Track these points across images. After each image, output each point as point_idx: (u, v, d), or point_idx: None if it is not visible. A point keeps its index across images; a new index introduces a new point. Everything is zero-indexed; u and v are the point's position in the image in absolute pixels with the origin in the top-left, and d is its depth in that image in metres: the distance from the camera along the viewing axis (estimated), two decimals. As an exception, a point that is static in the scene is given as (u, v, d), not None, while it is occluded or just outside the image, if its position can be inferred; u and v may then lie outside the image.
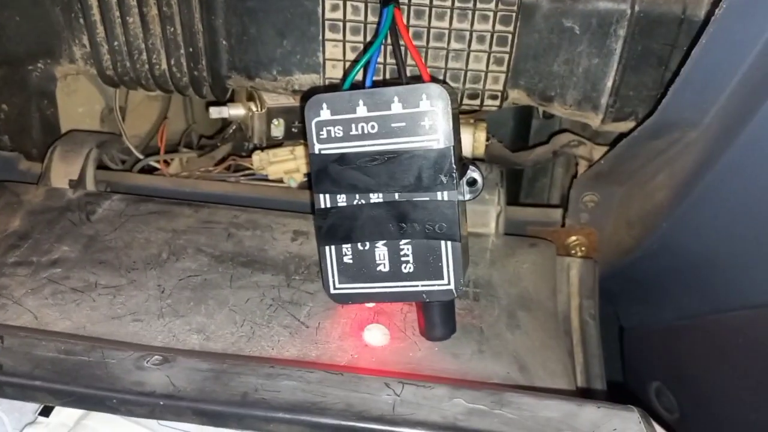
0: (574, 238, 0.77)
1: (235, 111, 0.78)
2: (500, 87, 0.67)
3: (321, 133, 0.52)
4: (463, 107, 0.69)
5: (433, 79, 0.54)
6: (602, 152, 0.74)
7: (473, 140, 0.73)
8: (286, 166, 0.77)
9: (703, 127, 0.59)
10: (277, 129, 0.77)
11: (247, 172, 0.80)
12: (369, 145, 0.51)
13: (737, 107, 0.54)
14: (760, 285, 0.60)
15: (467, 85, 0.67)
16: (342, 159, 0.52)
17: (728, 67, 0.53)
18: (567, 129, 0.80)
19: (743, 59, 0.52)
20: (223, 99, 0.76)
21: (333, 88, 0.67)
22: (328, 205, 0.53)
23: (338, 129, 0.51)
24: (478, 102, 0.68)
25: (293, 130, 0.78)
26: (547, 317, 0.61)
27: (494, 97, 0.68)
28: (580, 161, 0.78)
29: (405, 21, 0.63)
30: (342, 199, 0.53)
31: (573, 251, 0.77)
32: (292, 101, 0.76)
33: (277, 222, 0.67)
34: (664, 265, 0.72)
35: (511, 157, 0.82)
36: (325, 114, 0.51)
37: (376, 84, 0.54)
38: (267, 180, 0.78)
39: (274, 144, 0.79)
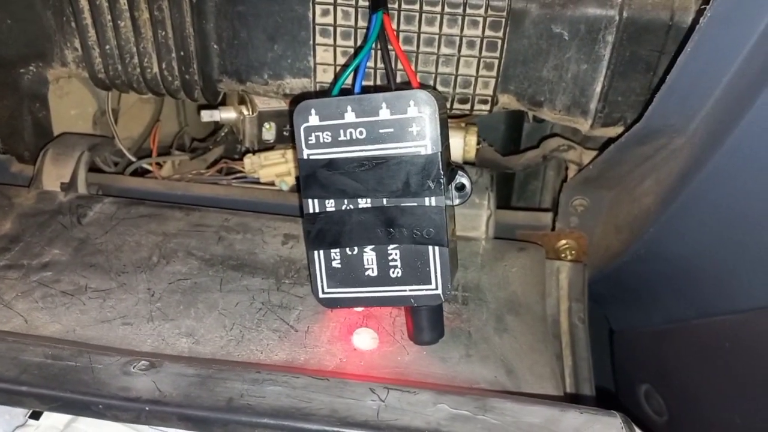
0: (563, 241, 0.77)
1: (226, 114, 0.78)
2: (490, 92, 0.67)
3: (310, 138, 0.52)
4: (454, 112, 0.70)
5: (422, 85, 0.54)
6: (592, 156, 0.74)
7: (464, 144, 0.74)
8: (277, 169, 0.77)
9: (689, 134, 0.60)
10: (269, 132, 0.78)
11: (238, 175, 0.80)
12: (357, 151, 0.51)
13: (722, 114, 0.54)
14: (746, 289, 0.61)
15: (457, 90, 0.67)
16: (330, 164, 0.52)
17: (713, 74, 0.53)
18: (557, 133, 0.80)
19: (728, 67, 0.52)
20: (215, 102, 0.76)
21: (323, 93, 0.67)
22: (317, 210, 0.53)
23: (327, 134, 0.52)
24: (468, 106, 0.69)
25: (284, 133, 0.78)
26: (535, 321, 0.61)
27: (484, 102, 0.68)
28: (570, 165, 0.79)
29: (395, 26, 0.63)
30: (330, 204, 0.53)
31: (563, 255, 0.77)
32: (284, 105, 0.76)
33: (267, 225, 0.67)
34: (651, 269, 0.72)
35: (501, 161, 0.83)
36: (314, 120, 0.52)
37: (366, 89, 0.54)
38: (258, 183, 0.78)
39: (265, 147, 0.79)
